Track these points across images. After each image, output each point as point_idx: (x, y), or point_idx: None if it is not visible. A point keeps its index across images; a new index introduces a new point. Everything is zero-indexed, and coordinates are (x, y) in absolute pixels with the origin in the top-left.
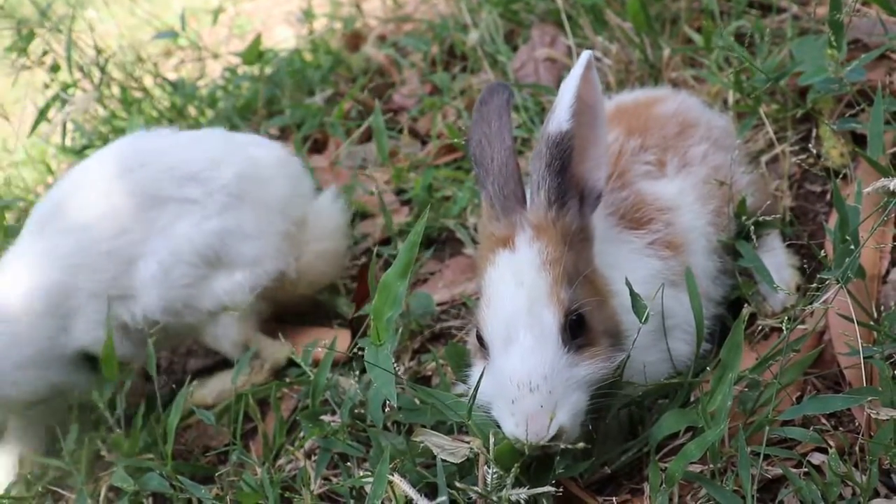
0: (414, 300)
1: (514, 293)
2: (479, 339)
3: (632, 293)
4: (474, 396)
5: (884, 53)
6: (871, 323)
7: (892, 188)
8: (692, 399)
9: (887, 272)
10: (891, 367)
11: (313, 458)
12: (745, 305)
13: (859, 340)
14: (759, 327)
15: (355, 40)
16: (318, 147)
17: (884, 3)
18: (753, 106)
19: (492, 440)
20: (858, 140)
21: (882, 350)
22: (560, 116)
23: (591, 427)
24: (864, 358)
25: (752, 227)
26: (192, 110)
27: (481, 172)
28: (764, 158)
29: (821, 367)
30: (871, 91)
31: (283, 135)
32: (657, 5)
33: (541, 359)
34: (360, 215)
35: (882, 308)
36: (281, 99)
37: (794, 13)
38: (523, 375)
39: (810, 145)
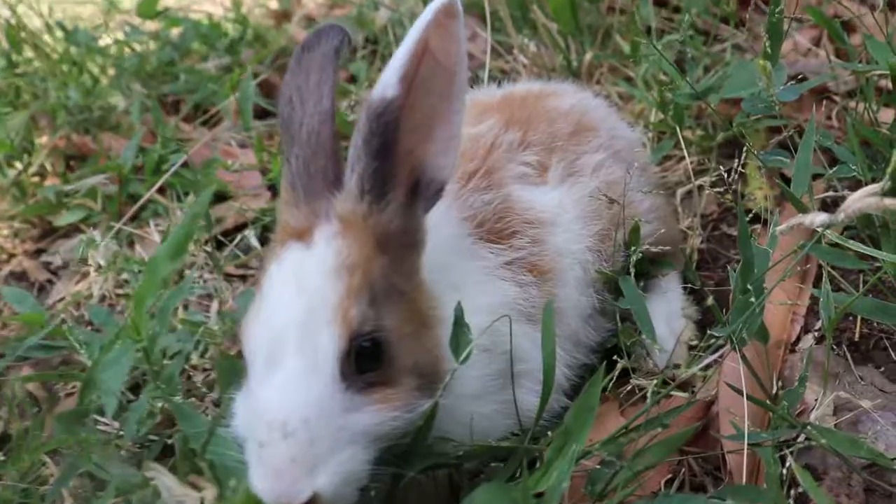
0: (243, 299)
1: (291, 301)
2: (242, 355)
3: (456, 321)
4: (211, 431)
5: (826, 93)
6: (766, 401)
7: (811, 225)
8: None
9: (797, 339)
10: (780, 461)
11: None
12: (622, 358)
13: (746, 421)
14: (634, 387)
15: (282, 17)
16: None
17: (828, 25)
18: (674, 127)
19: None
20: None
21: (774, 437)
22: (387, 79)
23: (386, 494)
24: (748, 444)
25: (641, 263)
26: (93, 67)
27: (286, 140)
28: (680, 191)
29: (704, 444)
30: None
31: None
32: (591, 15)
33: (305, 395)
34: (218, 197)
35: (782, 383)
36: (177, 63)
37: (738, 43)
38: (278, 414)
39: (731, 180)
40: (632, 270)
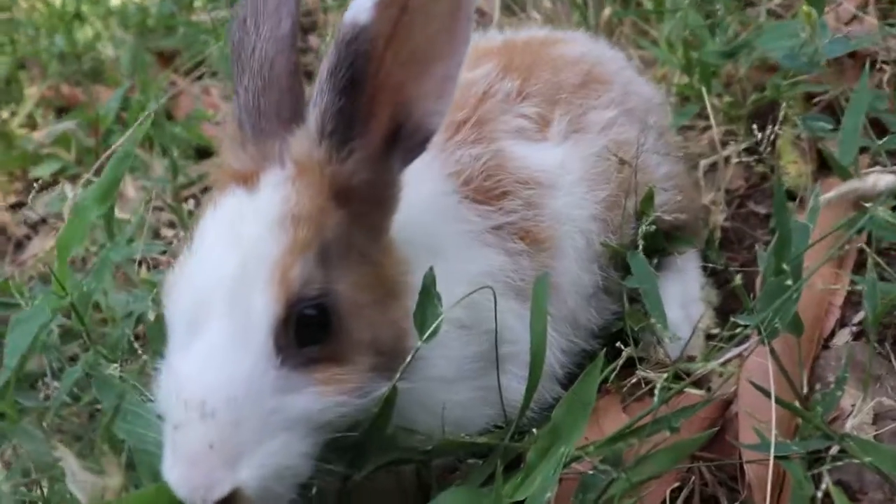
0: None
1: (223, 254)
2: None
3: (424, 289)
4: (116, 407)
5: (873, 62)
6: (796, 404)
7: (874, 188)
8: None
9: (832, 333)
10: (813, 480)
11: None
12: (626, 345)
13: (773, 428)
14: (640, 380)
15: None
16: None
17: None
18: (700, 89)
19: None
20: (825, 166)
21: (804, 449)
22: (360, 1)
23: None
24: (774, 457)
25: (654, 236)
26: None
27: (235, 68)
28: (703, 163)
29: (720, 450)
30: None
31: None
32: None
33: (230, 369)
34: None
35: (817, 384)
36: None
37: (773, 8)
38: (196, 391)
39: (763, 150)
40: (640, 243)
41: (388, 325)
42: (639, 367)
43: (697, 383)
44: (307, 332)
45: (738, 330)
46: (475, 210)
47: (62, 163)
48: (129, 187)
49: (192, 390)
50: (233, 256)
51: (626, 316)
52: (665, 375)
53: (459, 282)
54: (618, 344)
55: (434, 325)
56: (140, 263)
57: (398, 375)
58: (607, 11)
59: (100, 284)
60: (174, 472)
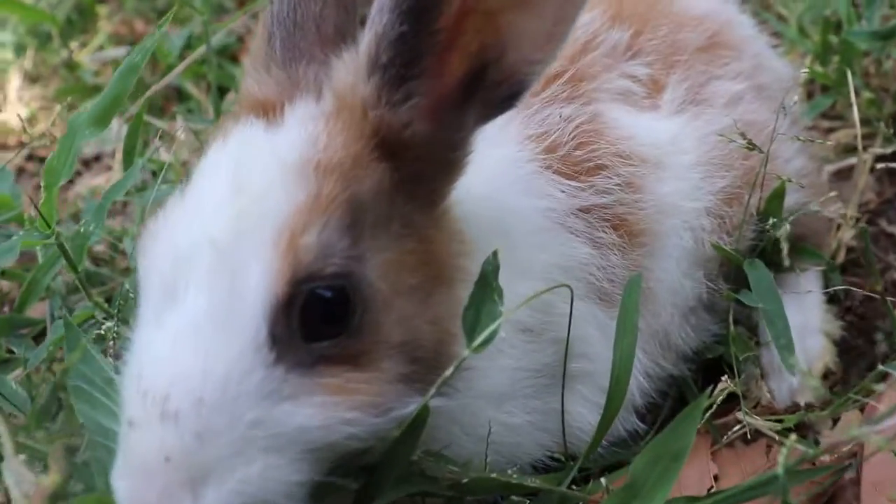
0: None
1: (220, 203)
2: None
3: (482, 279)
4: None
5: None
6: None
7: None
8: None
9: None
10: None
11: None
12: (724, 378)
13: None
14: (739, 426)
15: None
16: None
17: None
18: (837, 80)
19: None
20: None
21: None
22: None
23: None
24: None
25: (775, 246)
26: None
27: None
28: (829, 169)
29: None
30: None
31: None
32: None
33: (206, 360)
34: None
35: None
36: None
37: None
38: (157, 381)
39: None
40: (783, 258)
41: (430, 324)
42: (742, 407)
43: (800, 429)
44: (318, 321)
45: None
46: (559, 185)
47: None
48: (182, 130)
49: (153, 380)
50: (231, 206)
51: (729, 340)
52: (779, 427)
53: (528, 274)
54: (723, 378)
55: (489, 331)
56: None
57: (433, 391)
58: None
59: (98, 225)
60: (121, 484)
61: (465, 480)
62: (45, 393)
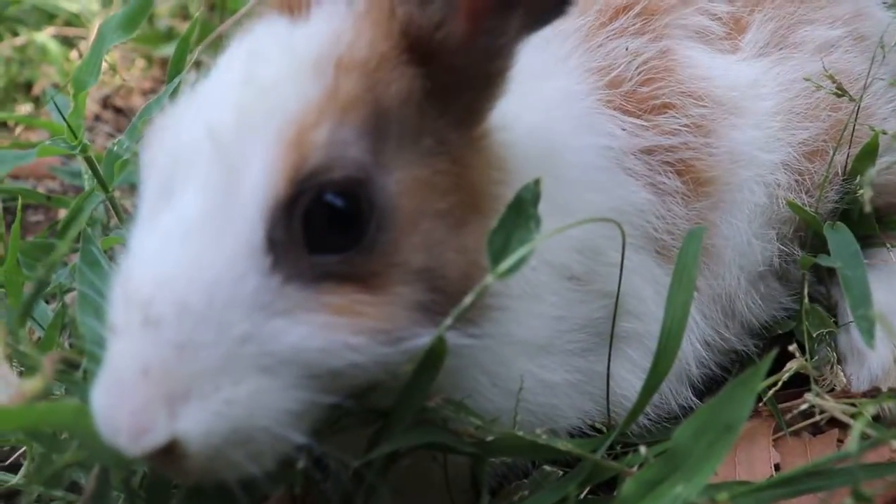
0: None
1: (226, 93)
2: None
3: (518, 202)
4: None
5: None
6: None
7: None
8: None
9: None
10: None
11: None
12: (796, 354)
13: None
14: (808, 407)
15: None
16: None
17: None
18: None
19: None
20: None
21: None
22: None
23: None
24: None
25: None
26: None
27: None
28: None
29: None
30: None
31: None
32: None
33: (194, 262)
34: None
35: None
36: None
37: None
38: (143, 285)
39: None
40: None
41: (458, 253)
42: (814, 388)
43: (879, 420)
44: (325, 230)
45: None
46: (620, 122)
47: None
48: None
49: (137, 283)
50: (237, 96)
51: (802, 315)
52: (856, 409)
53: (577, 216)
54: (791, 347)
55: (519, 255)
56: None
57: (449, 320)
58: None
59: (132, 142)
60: (97, 397)
61: (489, 438)
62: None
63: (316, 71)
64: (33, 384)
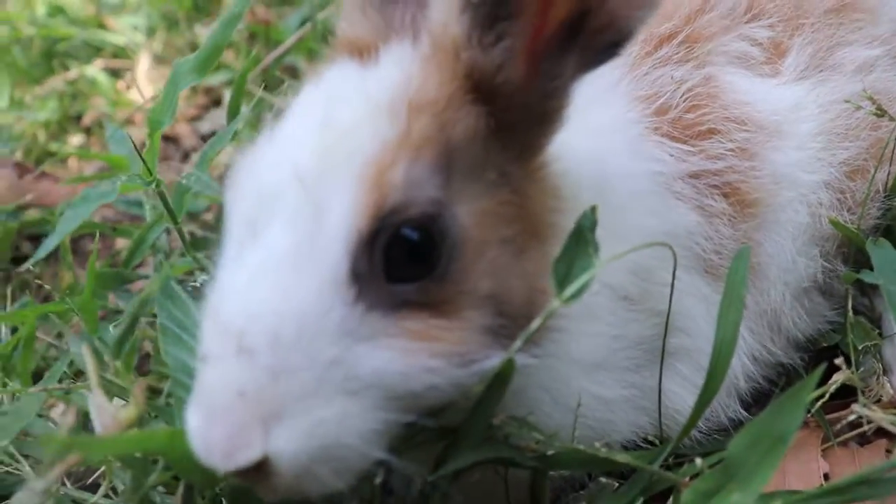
0: None
1: (307, 137)
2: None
3: (578, 231)
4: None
5: None
6: None
7: None
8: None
9: None
10: None
11: None
12: (842, 367)
13: None
14: (856, 417)
15: None
16: None
17: None
18: None
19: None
20: None
21: None
22: None
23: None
24: None
25: None
26: None
27: None
28: None
29: None
30: None
31: None
32: None
33: (286, 294)
34: None
35: None
36: None
37: None
38: (235, 317)
39: None
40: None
41: (520, 278)
42: (861, 399)
43: None
44: (403, 262)
45: None
46: (668, 148)
47: (231, 73)
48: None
49: (230, 315)
50: (317, 140)
51: (847, 328)
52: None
53: (629, 239)
54: (837, 361)
55: (581, 281)
56: None
57: (518, 343)
58: None
59: (203, 175)
60: (193, 419)
61: (550, 452)
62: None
63: (390, 114)
64: (129, 412)
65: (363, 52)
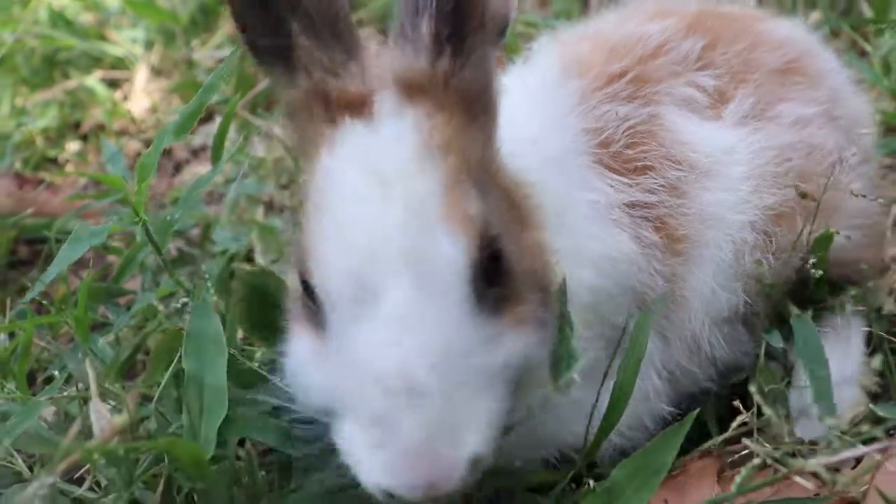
0: None
1: (379, 203)
2: (308, 291)
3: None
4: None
5: None
6: None
7: None
8: None
9: None
10: None
11: None
12: (745, 406)
13: None
14: (746, 450)
15: None
16: None
17: None
18: None
19: None
20: None
21: None
22: None
23: None
24: None
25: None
26: None
27: None
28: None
29: None
30: None
31: None
32: None
33: (431, 332)
34: None
35: None
36: None
37: None
38: (395, 369)
39: None
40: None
41: (535, 254)
42: (754, 437)
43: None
44: (493, 274)
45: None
46: (608, 179)
47: (222, 94)
48: (277, 127)
49: (390, 370)
50: (392, 203)
51: (756, 372)
52: (778, 451)
53: (584, 262)
54: (735, 402)
55: (571, 372)
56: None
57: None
58: (816, 15)
59: (185, 213)
60: (396, 477)
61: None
62: (128, 350)
63: (430, 159)
64: (122, 419)
65: (358, 107)
